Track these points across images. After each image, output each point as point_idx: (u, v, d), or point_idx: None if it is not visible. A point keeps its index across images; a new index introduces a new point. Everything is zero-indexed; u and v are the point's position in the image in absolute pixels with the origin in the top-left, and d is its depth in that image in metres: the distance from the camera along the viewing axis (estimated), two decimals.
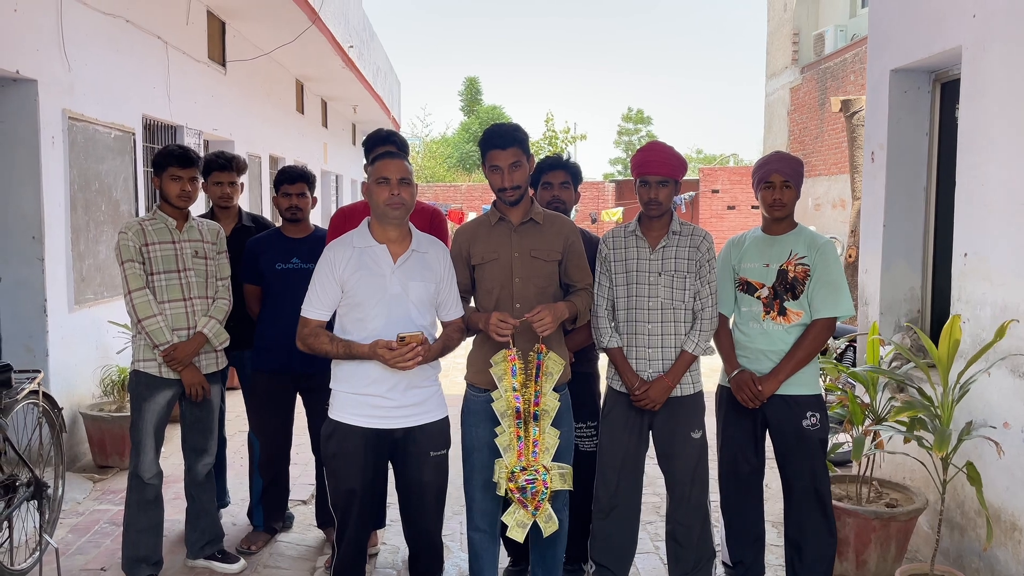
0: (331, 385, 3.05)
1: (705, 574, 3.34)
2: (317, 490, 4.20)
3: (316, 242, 3.83)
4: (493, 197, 3.21)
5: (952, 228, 3.96)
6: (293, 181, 4.01)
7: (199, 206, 4.87)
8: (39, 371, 3.91)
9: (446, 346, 3.05)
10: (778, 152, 3.47)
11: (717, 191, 23.04)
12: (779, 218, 3.37)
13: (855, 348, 5.47)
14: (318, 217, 12.56)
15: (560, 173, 3.69)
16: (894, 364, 4.29)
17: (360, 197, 3.48)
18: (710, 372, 3.61)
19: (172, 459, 4.97)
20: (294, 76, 12.45)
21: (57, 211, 5.14)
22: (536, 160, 3.42)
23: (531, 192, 3.31)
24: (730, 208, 22.96)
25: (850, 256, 7.94)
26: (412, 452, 3.03)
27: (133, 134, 6.24)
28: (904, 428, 3.51)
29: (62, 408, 4.12)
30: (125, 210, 6.09)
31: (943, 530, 3.68)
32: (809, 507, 3.33)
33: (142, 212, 6.35)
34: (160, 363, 3.59)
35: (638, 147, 4.13)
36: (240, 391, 4.43)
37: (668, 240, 3.27)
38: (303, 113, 13.19)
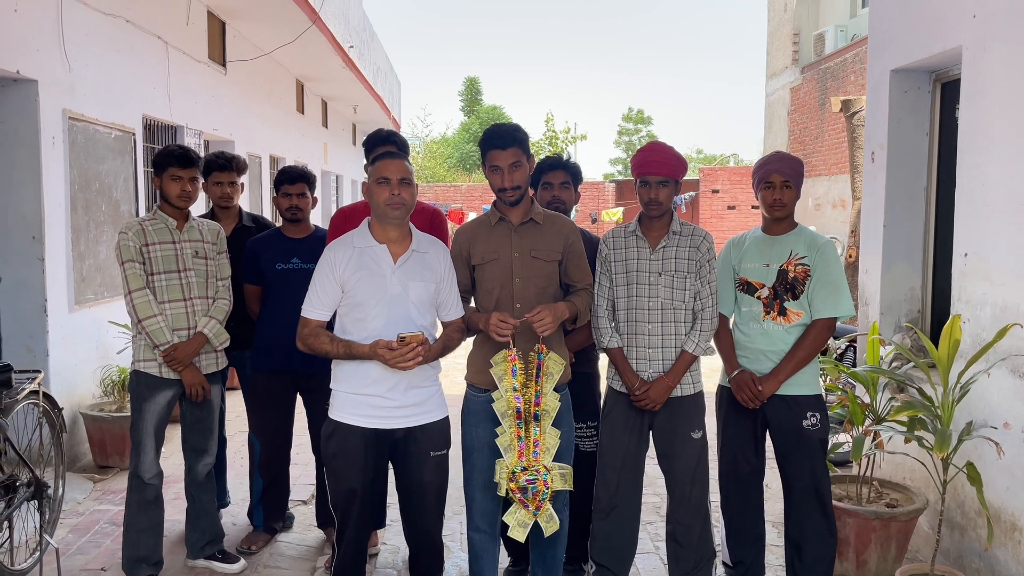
0: (331, 385, 3.05)
1: (705, 574, 3.34)
2: (317, 490, 4.20)
3: (316, 242, 3.83)
4: (493, 197, 3.21)
5: (952, 228, 3.96)
6: (293, 181, 4.01)
7: (199, 206, 4.87)
8: (39, 371, 3.92)
9: (446, 346, 3.05)
10: (778, 152, 3.47)
11: (717, 191, 23.05)
12: (779, 218, 3.37)
13: (855, 348, 5.47)
14: (318, 217, 12.55)
15: (560, 173, 3.69)
16: (894, 364, 4.29)
17: (360, 197, 3.48)
18: (710, 372, 3.61)
19: (172, 459, 4.97)
20: (294, 76, 12.46)
21: (57, 211, 5.14)
22: (536, 160, 3.42)
23: (531, 192, 3.31)
24: (730, 208, 22.96)
25: (850, 256, 7.94)
26: (412, 452, 3.03)
27: (133, 134, 6.24)
28: (904, 428, 3.51)
29: (62, 408, 4.12)
30: (125, 210, 6.09)
31: (943, 530, 3.68)
32: (809, 507, 3.33)
33: (142, 212, 6.35)
34: (160, 363, 3.59)
35: (638, 147, 4.12)
36: (240, 391, 4.43)
37: (668, 240, 3.27)
38: (303, 113, 13.19)
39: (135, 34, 6.35)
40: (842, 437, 4.38)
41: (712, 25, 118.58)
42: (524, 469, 2.97)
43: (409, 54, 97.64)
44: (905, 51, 4.43)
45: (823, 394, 3.46)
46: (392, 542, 4.20)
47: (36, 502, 3.69)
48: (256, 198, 9.93)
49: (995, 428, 3.43)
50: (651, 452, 3.34)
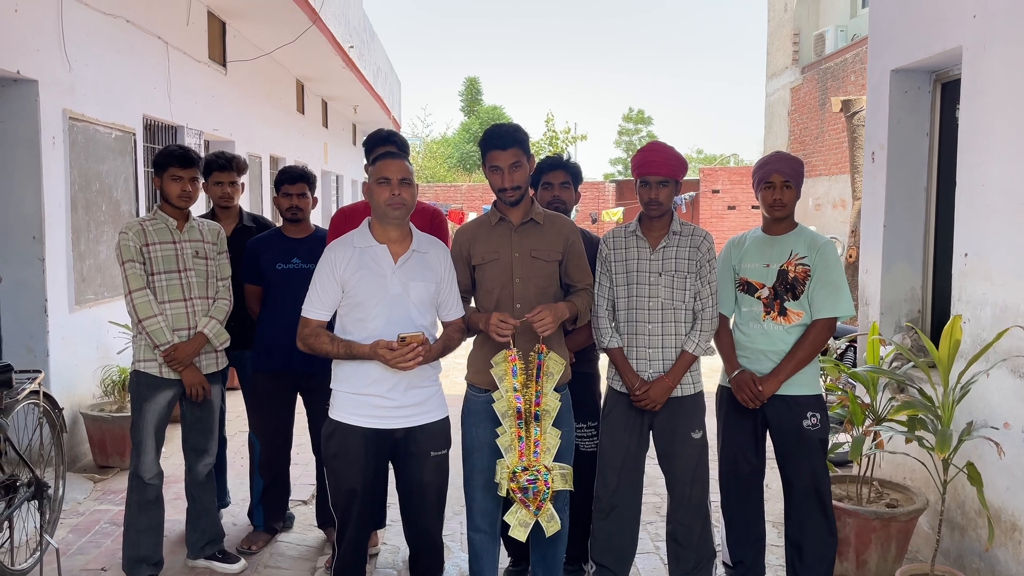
0: (331, 385, 3.05)
1: (705, 574, 3.34)
2: (317, 490, 4.20)
3: (316, 242, 3.83)
4: (493, 197, 3.21)
5: (952, 228, 3.96)
6: (294, 181, 4.01)
7: (200, 206, 4.87)
8: (40, 371, 3.92)
9: (447, 346, 3.05)
10: (778, 152, 3.47)
11: (717, 191, 23.05)
12: (779, 218, 3.37)
13: (855, 348, 5.48)
14: (318, 217, 12.55)
15: (560, 173, 3.69)
16: (894, 364, 4.29)
17: (360, 197, 3.48)
18: (710, 372, 3.61)
19: (172, 459, 4.97)
20: (294, 76, 12.46)
21: (58, 211, 5.14)
22: (536, 160, 3.42)
23: (531, 192, 3.31)
24: (730, 208, 22.96)
25: (850, 256, 7.94)
26: (413, 452, 3.03)
27: (134, 134, 6.25)
28: (904, 428, 3.51)
29: (63, 408, 4.12)
30: (126, 210, 6.09)
31: (943, 530, 3.68)
32: (809, 507, 3.33)
33: (143, 212, 6.35)
34: (161, 363, 3.59)
35: (639, 147, 4.13)
36: (240, 391, 4.43)
37: (668, 240, 3.27)
38: (303, 113, 13.19)
39: (135, 34, 6.35)
40: (842, 437, 4.38)
41: (712, 25, 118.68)
42: (525, 469, 2.97)
43: (409, 54, 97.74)
44: (905, 51, 4.43)
45: (823, 394, 3.46)
46: (392, 542, 4.20)
47: (36, 502, 3.69)
48: (256, 198, 9.93)
49: (995, 428, 3.43)
50: (651, 452, 3.34)
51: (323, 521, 4.16)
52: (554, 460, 3.03)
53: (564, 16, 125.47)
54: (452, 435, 3.13)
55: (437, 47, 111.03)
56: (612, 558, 3.33)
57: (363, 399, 2.95)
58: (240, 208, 4.41)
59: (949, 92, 4.46)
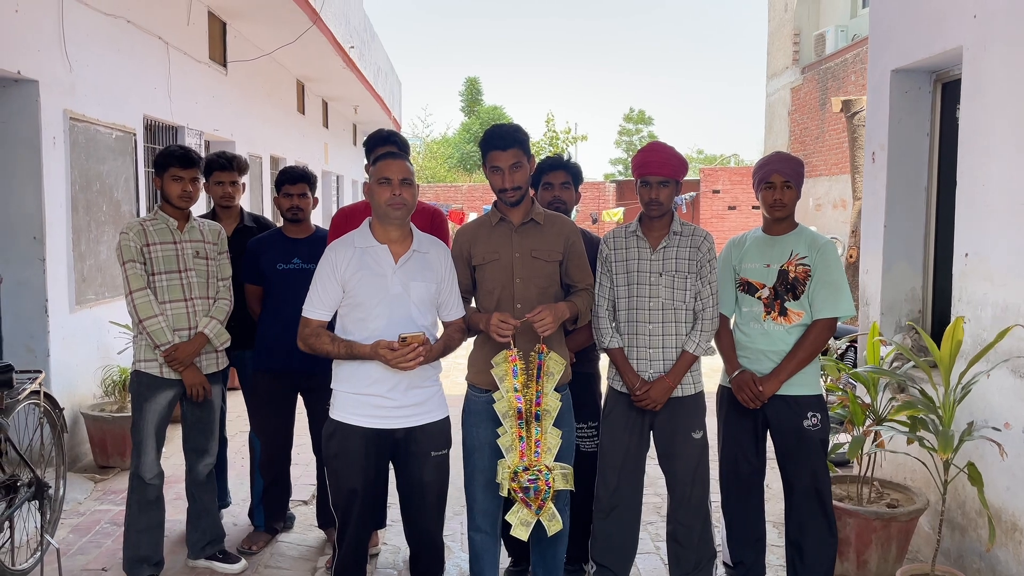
0: (332, 385, 3.05)
1: (706, 574, 3.34)
2: (318, 490, 4.20)
3: (317, 242, 3.83)
4: (494, 197, 3.21)
5: (953, 228, 3.96)
6: (294, 181, 4.01)
7: (200, 206, 4.88)
8: (40, 371, 3.92)
9: (447, 346, 3.05)
10: (779, 152, 3.47)
11: (718, 191, 23.05)
12: (780, 218, 3.37)
13: (856, 348, 5.48)
14: (319, 217, 12.54)
15: (561, 173, 3.69)
16: (895, 364, 4.29)
17: (361, 197, 3.48)
18: (711, 372, 3.61)
19: (173, 459, 4.97)
20: (295, 76, 12.46)
21: (58, 211, 5.15)
22: (537, 160, 3.42)
23: (532, 192, 3.31)
24: (731, 208, 22.96)
25: (851, 256, 7.94)
26: (413, 452, 3.03)
27: (134, 134, 6.25)
28: (905, 428, 3.51)
29: (63, 408, 4.13)
30: (126, 210, 6.09)
31: (944, 530, 3.68)
32: (810, 507, 3.33)
33: (143, 212, 6.36)
34: (161, 363, 3.59)
35: (639, 147, 4.13)
36: (241, 391, 4.43)
37: (669, 240, 3.27)
38: (304, 113, 13.20)
39: (136, 34, 6.36)
40: (843, 437, 4.38)
41: (712, 25, 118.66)
42: (526, 469, 2.97)
43: (409, 54, 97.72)
44: (905, 51, 4.43)
45: (824, 394, 3.46)
46: (393, 542, 4.20)
47: (37, 502, 3.69)
48: (257, 198, 9.94)
49: (996, 429, 3.42)
50: (651, 452, 3.34)
51: (324, 521, 4.16)
52: (555, 460, 3.03)
53: (564, 16, 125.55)
54: (453, 435, 3.13)
55: (437, 47, 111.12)
56: (612, 558, 3.33)
57: (364, 399, 2.96)
58: (241, 208, 4.42)
59: (949, 92, 4.46)
